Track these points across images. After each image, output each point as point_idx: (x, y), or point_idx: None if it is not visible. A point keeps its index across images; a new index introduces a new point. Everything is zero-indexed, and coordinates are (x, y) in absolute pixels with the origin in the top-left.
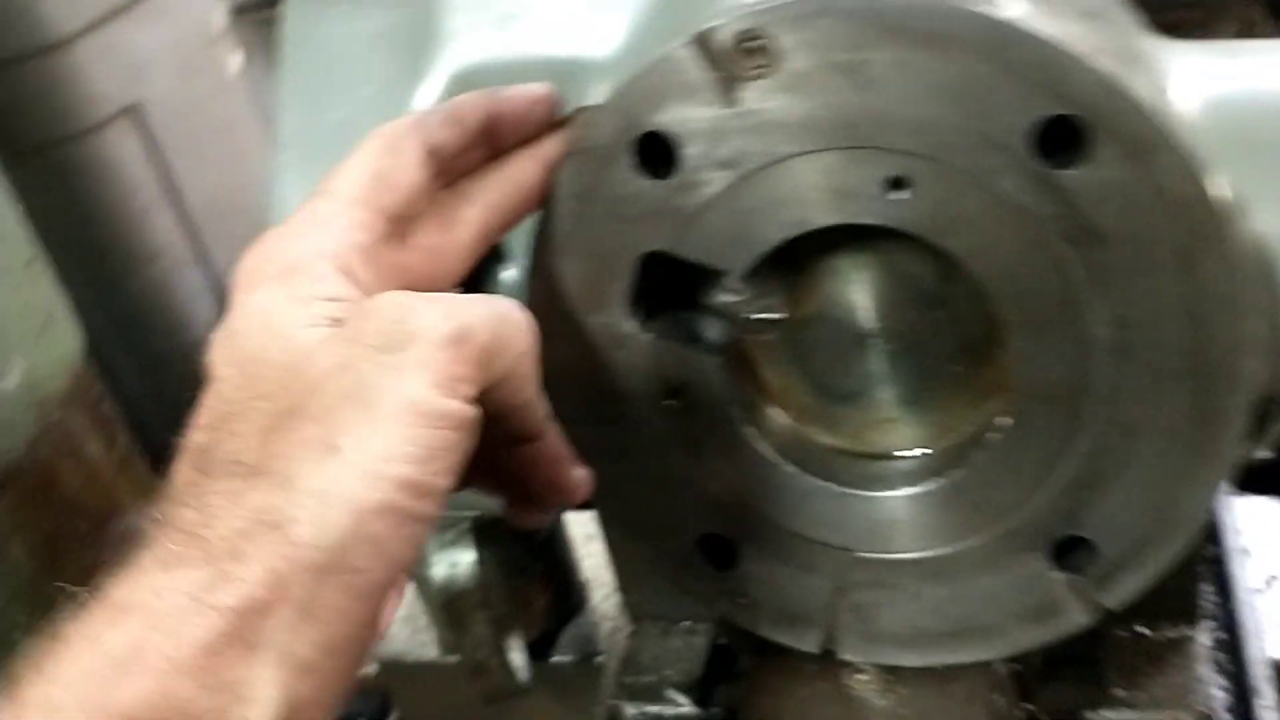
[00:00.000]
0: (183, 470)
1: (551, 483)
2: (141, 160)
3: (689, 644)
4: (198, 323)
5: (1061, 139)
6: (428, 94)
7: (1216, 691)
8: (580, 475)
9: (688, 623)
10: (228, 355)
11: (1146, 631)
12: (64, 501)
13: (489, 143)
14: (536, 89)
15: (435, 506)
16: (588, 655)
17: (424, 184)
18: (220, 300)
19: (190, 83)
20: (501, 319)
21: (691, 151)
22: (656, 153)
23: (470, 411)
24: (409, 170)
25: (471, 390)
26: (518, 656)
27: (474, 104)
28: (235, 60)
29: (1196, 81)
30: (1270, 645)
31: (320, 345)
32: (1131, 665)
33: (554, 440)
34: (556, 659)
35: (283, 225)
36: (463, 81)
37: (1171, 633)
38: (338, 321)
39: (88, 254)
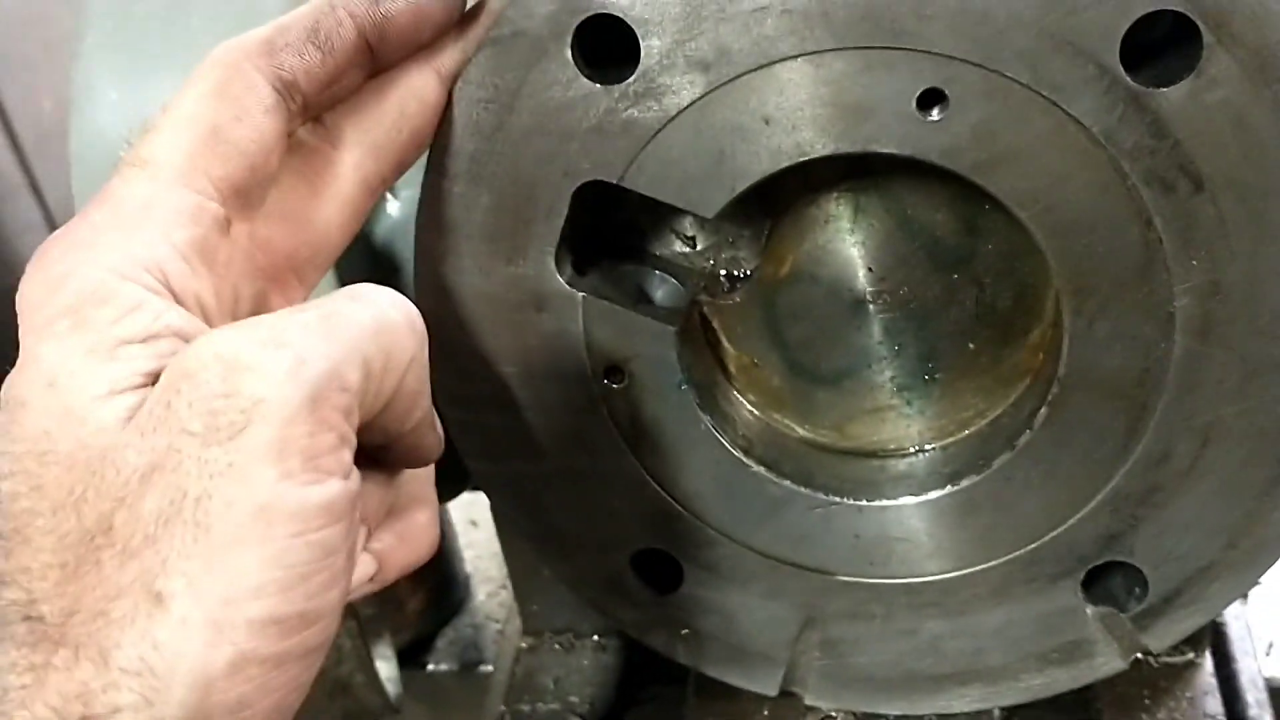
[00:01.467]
0: None
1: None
2: None
3: (598, 663)
4: (26, 261)
5: (1159, 46)
6: None
7: None
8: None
9: (595, 637)
10: (9, 440)
11: (1148, 659)
12: None
13: (369, 59)
14: None
15: (325, 631)
16: (470, 664)
17: (277, 133)
18: None
19: None
20: (378, 332)
21: (655, 45)
22: (607, 45)
23: (352, 486)
24: (255, 120)
25: (349, 451)
26: (386, 668)
27: (343, 15)
28: None
29: None
30: (1263, 663)
31: (125, 433)
32: (1127, 696)
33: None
34: (433, 668)
35: (78, 221)
36: None
37: (1175, 659)
38: (153, 379)
39: None
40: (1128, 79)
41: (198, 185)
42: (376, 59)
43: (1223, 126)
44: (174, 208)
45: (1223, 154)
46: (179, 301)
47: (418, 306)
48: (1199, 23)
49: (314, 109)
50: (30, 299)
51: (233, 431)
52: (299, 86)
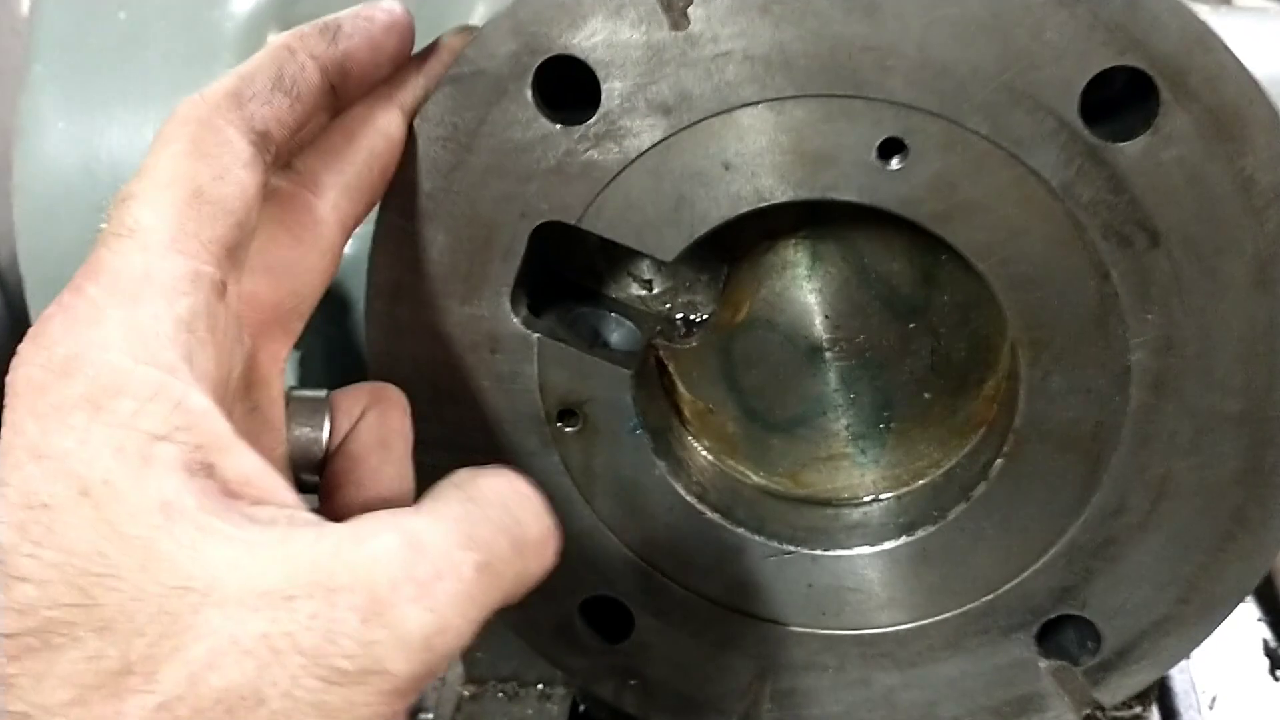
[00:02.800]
0: None
1: None
2: None
3: (542, 712)
4: None
5: (1117, 102)
6: None
7: None
8: None
9: (540, 685)
10: (35, 545)
11: (1096, 712)
12: None
13: (333, 100)
14: (384, 13)
15: None
16: (411, 711)
17: (257, 187)
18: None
19: None
20: (515, 548)
21: (616, 88)
22: (568, 87)
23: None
24: (236, 176)
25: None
26: None
27: (304, 59)
28: None
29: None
30: (1207, 717)
31: (222, 608)
32: None
33: None
34: None
35: (73, 296)
36: None
37: (1123, 713)
38: (205, 469)
39: None
40: (1086, 134)
41: (190, 250)
42: (339, 99)
43: (1178, 182)
44: (173, 276)
45: (1178, 210)
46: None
47: (370, 346)
48: (1156, 80)
49: (285, 156)
50: (31, 380)
51: (343, 679)
52: (272, 136)
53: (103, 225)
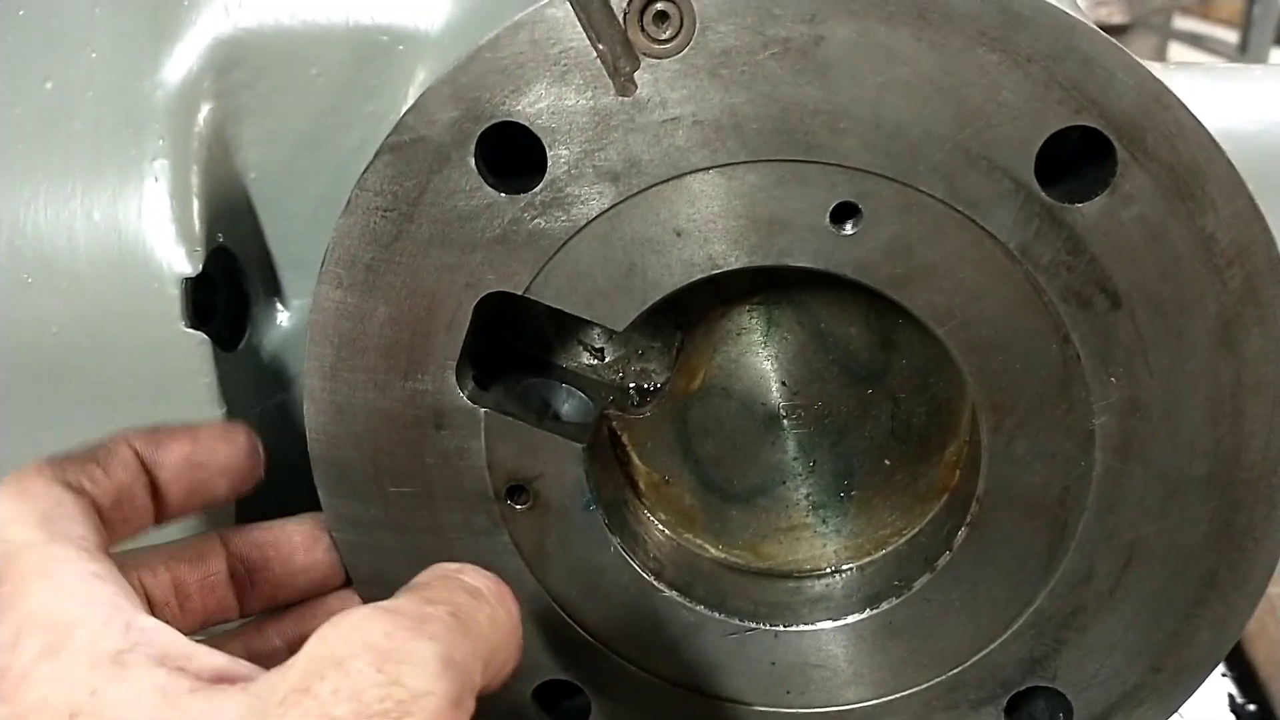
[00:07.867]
0: None
1: None
2: None
3: None
4: None
5: (1074, 162)
6: (179, 65)
7: None
8: None
9: None
10: None
11: None
12: None
13: (151, 495)
14: (222, 441)
15: None
16: None
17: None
18: None
19: None
20: (495, 635)
21: (563, 154)
22: (512, 154)
23: None
24: (67, 500)
25: None
26: None
27: (124, 443)
28: None
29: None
30: None
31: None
32: None
33: None
34: None
35: None
36: (229, 48)
37: None
38: (179, 665)
39: None
40: (1043, 194)
41: (73, 540)
42: (160, 497)
43: (1139, 242)
44: (69, 554)
45: (1139, 270)
46: None
47: (308, 425)
48: (1113, 139)
49: (108, 521)
50: None
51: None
52: (85, 490)
53: None
